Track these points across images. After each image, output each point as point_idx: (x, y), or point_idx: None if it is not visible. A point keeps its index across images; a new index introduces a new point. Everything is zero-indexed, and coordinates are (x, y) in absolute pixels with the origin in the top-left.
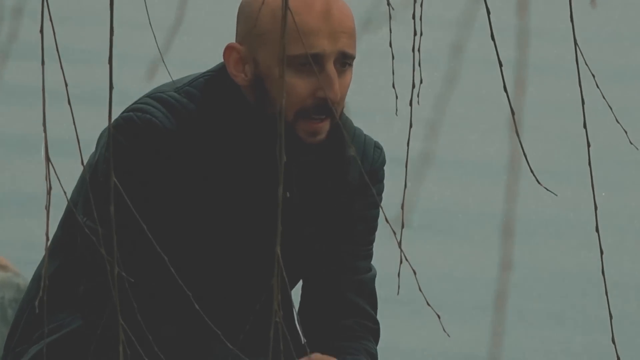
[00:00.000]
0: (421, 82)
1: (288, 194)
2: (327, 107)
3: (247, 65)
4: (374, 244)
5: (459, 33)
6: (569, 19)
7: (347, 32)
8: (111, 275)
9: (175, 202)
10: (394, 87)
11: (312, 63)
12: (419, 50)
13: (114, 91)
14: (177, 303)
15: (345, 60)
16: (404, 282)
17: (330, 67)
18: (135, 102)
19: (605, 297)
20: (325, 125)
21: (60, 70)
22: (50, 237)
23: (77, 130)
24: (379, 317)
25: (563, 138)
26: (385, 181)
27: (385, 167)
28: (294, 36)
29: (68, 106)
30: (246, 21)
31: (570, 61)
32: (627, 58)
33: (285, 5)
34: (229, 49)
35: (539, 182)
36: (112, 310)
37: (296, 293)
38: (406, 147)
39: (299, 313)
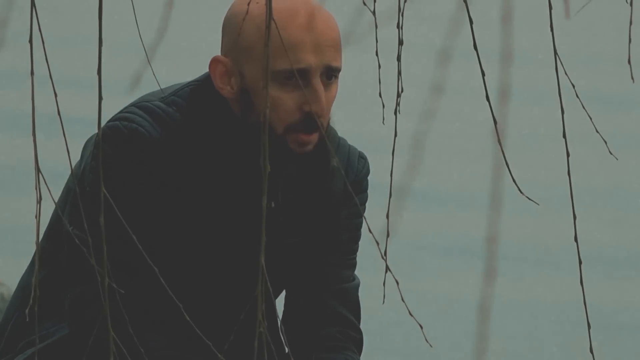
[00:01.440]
0: (402, 90)
1: (273, 204)
2: (315, 122)
3: (234, 78)
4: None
5: (445, 42)
6: (549, 29)
7: (333, 45)
8: (102, 286)
9: (161, 211)
10: (380, 96)
11: (298, 77)
12: (399, 59)
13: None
14: (165, 312)
15: (331, 73)
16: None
17: (317, 81)
18: (121, 111)
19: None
20: (315, 138)
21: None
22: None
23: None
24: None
25: (545, 149)
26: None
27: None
28: (280, 51)
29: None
30: (231, 34)
31: (551, 77)
32: (609, 80)
33: (269, 17)
34: (214, 62)
35: (520, 192)
36: (101, 321)
37: (280, 302)
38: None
39: (282, 322)
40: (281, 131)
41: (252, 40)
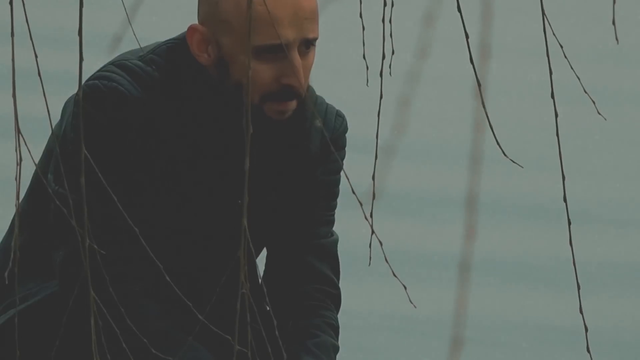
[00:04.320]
0: (393, 52)
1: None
2: (292, 92)
3: (210, 47)
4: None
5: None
6: None
7: (310, 18)
8: (82, 246)
9: (142, 170)
10: (364, 57)
11: (277, 51)
12: (390, 21)
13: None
14: (147, 274)
15: (309, 43)
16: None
17: (295, 55)
18: (100, 70)
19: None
20: (292, 105)
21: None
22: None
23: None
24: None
25: (530, 114)
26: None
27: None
28: (257, 27)
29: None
30: (208, 4)
31: (537, 35)
32: (596, 35)
33: None
34: (191, 30)
35: (504, 153)
36: (84, 281)
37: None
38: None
39: (262, 280)
40: (257, 101)
41: (230, 14)
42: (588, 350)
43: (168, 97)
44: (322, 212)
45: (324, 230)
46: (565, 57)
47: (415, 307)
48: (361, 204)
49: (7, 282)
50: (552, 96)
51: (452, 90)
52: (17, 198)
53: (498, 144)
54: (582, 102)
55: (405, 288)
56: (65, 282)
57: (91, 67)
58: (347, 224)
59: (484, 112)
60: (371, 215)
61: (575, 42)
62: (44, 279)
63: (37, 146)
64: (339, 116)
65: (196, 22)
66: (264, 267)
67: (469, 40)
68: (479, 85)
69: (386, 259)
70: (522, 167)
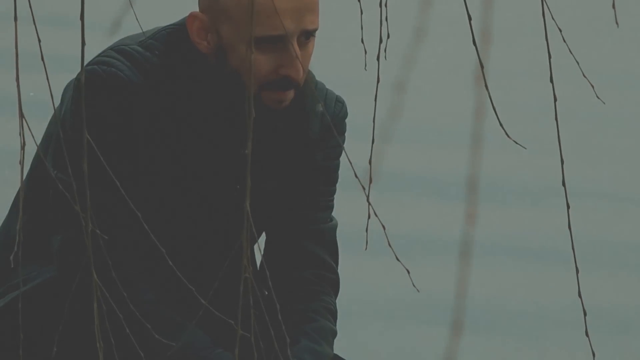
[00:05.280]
0: (388, 36)
1: (247, 150)
2: (290, 82)
3: (210, 35)
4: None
5: None
6: None
7: (311, 9)
8: (85, 231)
9: (141, 155)
10: (362, 42)
11: (276, 42)
12: (386, 5)
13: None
14: (149, 258)
15: (308, 34)
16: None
17: (294, 46)
18: (99, 55)
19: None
20: (291, 94)
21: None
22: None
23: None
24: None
25: (530, 94)
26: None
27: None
28: (257, 17)
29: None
30: None
31: (536, 18)
32: (596, 13)
33: None
34: (191, 18)
35: (507, 135)
36: (86, 266)
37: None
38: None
39: (261, 265)
40: (255, 90)
41: (230, 3)
42: (587, 335)
43: (167, 83)
44: (321, 197)
45: (323, 215)
46: (564, 40)
47: (418, 291)
48: (364, 188)
49: (12, 266)
50: (551, 80)
51: (453, 74)
52: (21, 181)
53: (501, 125)
54: (581, 85)
55: (408, 272)
56: (63, 267)
57: (92, 51)
58: (347, 209)
59: (487, 94)
60: (368, 200)
61: (574, 24)
62: (43, 262)
63: (38, 125)
64: (339, 101)
65: (196, 9)
66: (262, 252)
67: (470, 22)
68: (482, 67)
69: (389, 243)
70: (525, 149)
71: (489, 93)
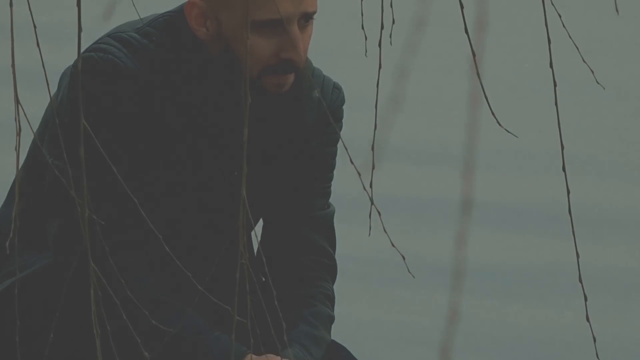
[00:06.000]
0: (393, 22)
1: (246, 135)
2: (291, 66)
3: (209, 21)
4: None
5: None
6: None
7: None
8: (82, 217)
9: (139, 143)
10: (363, 28)
11: (276, 25)
12: None
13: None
14: (147, 245)
15: (308, 17)
16: None
17: (294, 29)
18: (96, 42)
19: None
20: (291, 78)
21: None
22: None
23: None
24: None
25: (527, 79)
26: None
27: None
28: (257, 1)
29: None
30: None
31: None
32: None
33: None
34: (190, 5)
35: (499, 124)
36: (83, 253)
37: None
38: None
39: (258, 252)
40: (256, 75)
41: None
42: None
43: (164, 70)
44: (319, 183)
45: (320, 202)
46: (564, 26)
47: (414, 277)
48: (359, 174)
49: (7, 252)
50: (551, 65)
51: (449, 62)
52: (17, 167)
53: (493, 114)
54: (580, 71)
55: (403, 258)
56: (59, 253)
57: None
58: (344, 194)
59: (479, 83)
60: (371, 186)
61: (574, 8)
62: (40, 249)
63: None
64: (336, 88)
65: None
66: (259, 239)
67: (464, 10)
68: (474, 55)
69: (385, 230)
70: (517, 137)
71: (480, 82)
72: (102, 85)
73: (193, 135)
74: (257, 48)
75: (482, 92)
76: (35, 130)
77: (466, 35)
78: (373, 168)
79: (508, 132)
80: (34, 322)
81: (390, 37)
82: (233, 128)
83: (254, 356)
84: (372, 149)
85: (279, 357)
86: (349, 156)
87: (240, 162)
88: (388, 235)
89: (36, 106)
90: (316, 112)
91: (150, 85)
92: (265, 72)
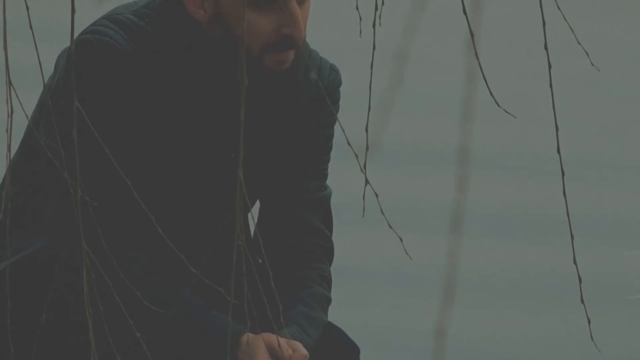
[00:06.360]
0: (383, 3)
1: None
2: (292, 42)
3: (207, 2)
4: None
5: None
6: None
7: None
8: (75, 199)
9: (136, 125)
10: (357, 9)
11: (274, 2)
12: None
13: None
14: (141, 227)
15: None
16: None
17: (293, 4)
18: (93, 24)
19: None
20: (291, 54)
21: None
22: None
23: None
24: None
25: (524, 62)
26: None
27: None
28: None
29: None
30: None
31: None
32: None
33: None
34: None
35: (497, 104)
36: (76, 234)
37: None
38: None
39: (255, 233)
40: (257, 53)
41: None
42: (582, 302)
43: (161, 52)
44: (315, 165)
45: (317, 184)
46: (559, 8)
47: (411, 258)
48: (356, 156)
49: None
50: (545, 47)
51: (446, 41)
52: (9, 150)
53: (491, 94)
54: (575, 53)
55: (401, 240)
56: (55, 235)
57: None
58: (341, 177)
59: (477, 63)
60: (365, 167)
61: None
62: (34, 232)
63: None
64: (333, 70)
65: None
66: (255, 220)
67: None
68: (472, 35)
69: (382, 211)
70: (515, 118)
71: (479, 62)
72: (99, 67)
73: (190, 118)
74: (257, 26)
75: (480, 72)
76: (29, 113)
77: (464, 16)
78: (367, 150)
79: (507, 112)
80: (27, 305)
81: (380, 17)
82: (230, 109)
83: (250, 335)
84: (366, 130)
85: (275, 336)
86: (347, 138)
87: (237, 144)
88: (386, 218)
89: (29, 89)
90: (313, 94)
91: (146, 67)
92: (266, 50)
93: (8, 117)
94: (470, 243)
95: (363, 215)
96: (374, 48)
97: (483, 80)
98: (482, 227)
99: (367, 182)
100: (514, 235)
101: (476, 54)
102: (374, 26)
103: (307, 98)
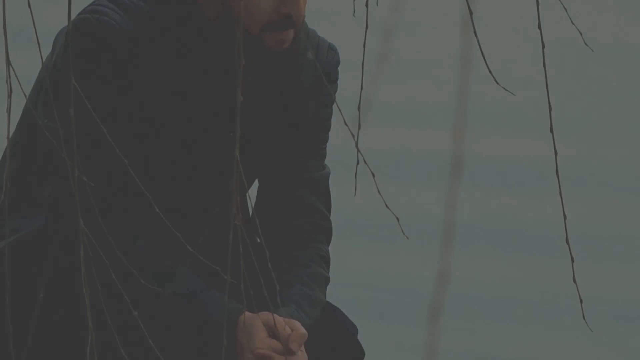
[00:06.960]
0: None
1: (242, 97)
2: (291, 21)
3: None
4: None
5: None
6: None
7: None
8: (72, 178)
9: (134, 104)
10: None
11: None
12: None
13: None
14: (138, 207)
15: None
16: None
17: None
18: (91, 4)
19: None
20: (291, 34)
21: None
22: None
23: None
24: None
25: (516, 34)
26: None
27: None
28: None
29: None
30: None
31: None
32: None
33: None
34: None
35: (496, 82)
36: (74, 214)
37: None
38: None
39: (254, 213)
40: (257, 32)
41: None
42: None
43: (160, 31)
44: (314, 145)
45: (316, 163)
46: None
47: (407, 238)
48: (353, 136)
49: None
50: (539, 27)
51: (441, 21)
52: (8, 130)
53: (490, 72)
54: (570, 37)
55: (397, 220)
56: (54, 214)
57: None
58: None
59: (476, 40)
60: (356, 146)
61: None
62: (33, 211)
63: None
64: (331, 49)
65: None
66: (254, 200)
67: None
68: (470, 13)
69: (378, 191)
70: (514, 95)
71: (478, 40)
72: (97, 47)
73: (189, 97)
74: (257, 4)
75: (480, 50)
76: (27, 91)
77: None
78: (359, 128)
79: (506, 90)
80: (26, 284)
81: None
82: (229, 89)
83: (248, 314)
84: (359, 109)
85: (271, 315)
86: (343, 117)
87: (235, 123)
88: (382, 197)
89: (28, 67)
90: (312, 73)
91: (145, 47)
92: (266, 29)
93: (8, 97)
94: (462, 248)
95: (355, 194)
96: (366, 27)
97: (481, 60)
98: (474, 238)
99: (359, 160)
100: (509, 247)
101: (475, 32)
102: (366, 5)
103: (308, 78)
